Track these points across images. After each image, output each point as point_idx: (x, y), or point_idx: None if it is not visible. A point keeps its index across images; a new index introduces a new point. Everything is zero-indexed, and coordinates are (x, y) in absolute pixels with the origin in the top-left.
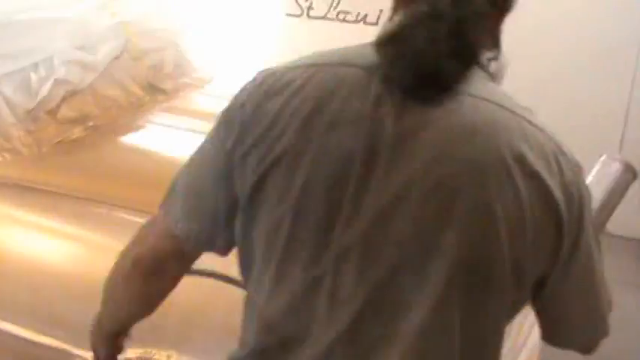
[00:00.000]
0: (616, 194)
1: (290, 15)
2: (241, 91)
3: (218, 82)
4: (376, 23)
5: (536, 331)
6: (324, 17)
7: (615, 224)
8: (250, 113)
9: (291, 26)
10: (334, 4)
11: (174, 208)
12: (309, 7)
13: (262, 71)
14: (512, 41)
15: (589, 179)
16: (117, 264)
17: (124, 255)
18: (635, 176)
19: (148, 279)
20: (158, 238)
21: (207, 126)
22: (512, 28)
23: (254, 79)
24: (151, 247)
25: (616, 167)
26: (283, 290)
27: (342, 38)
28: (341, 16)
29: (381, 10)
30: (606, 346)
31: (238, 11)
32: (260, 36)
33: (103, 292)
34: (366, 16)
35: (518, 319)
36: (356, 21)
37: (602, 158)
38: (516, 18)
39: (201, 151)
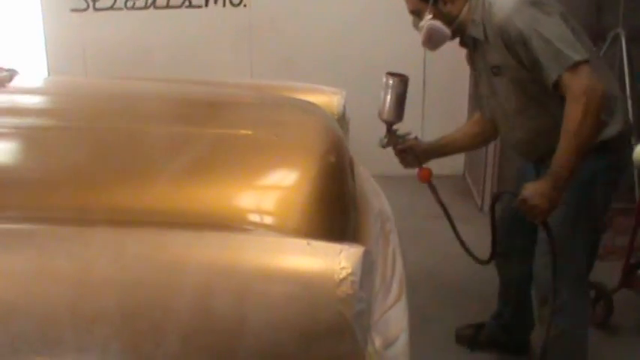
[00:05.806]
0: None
1: (75, 10)
2: None
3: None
4: (167, 6)
5: (399, 261)
6: (111, 8)
7: (437, 167)
8: None
9: (77, 21)
10: None
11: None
12: (95, 0)
13: None
14: None
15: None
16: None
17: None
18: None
19: None
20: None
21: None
22: None
23: None
24: None
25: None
26: None
27: (132, 26)
28: (130, 4)
29: None
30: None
31: (22, 11)
32: (46, 33)
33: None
34: (155, 0)
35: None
36: (145, 7)
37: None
38: None
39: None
